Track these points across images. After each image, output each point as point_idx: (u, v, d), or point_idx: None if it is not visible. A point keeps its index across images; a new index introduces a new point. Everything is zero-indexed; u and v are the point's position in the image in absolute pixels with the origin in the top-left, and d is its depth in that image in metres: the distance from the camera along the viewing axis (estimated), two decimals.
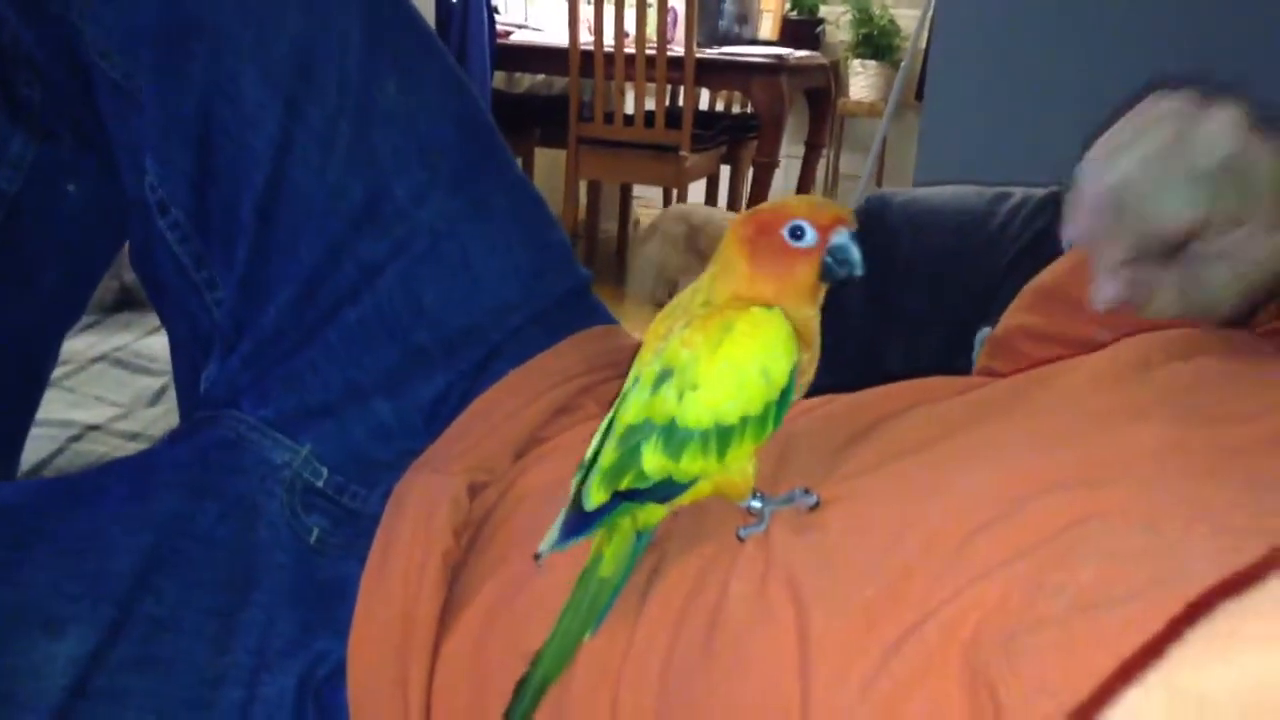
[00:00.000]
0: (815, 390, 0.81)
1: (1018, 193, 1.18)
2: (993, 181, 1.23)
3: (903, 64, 2.14)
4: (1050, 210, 1.14)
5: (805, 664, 0.47)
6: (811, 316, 0.52)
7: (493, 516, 0.65)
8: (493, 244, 0.77)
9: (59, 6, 0.73)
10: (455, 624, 0.60)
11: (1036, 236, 1.11)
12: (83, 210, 0.83)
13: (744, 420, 0.49)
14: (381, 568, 0.63)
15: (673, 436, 0.49)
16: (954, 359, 1.10)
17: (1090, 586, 0.41)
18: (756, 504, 0.53)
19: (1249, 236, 0.52)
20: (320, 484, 0.69)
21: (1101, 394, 0.53)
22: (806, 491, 0.54)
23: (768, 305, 0.49)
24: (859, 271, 0.49)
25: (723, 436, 0.49)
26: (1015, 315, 0.73)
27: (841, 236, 0.50)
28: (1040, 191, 1.17)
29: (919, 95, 2.05)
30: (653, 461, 0.49)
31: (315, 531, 0.67)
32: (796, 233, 0.49)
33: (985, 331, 1.07)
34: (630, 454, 0.49)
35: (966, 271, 1.14)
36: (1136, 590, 0.40)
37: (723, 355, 0.48)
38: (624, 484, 0.50)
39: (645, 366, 0.51)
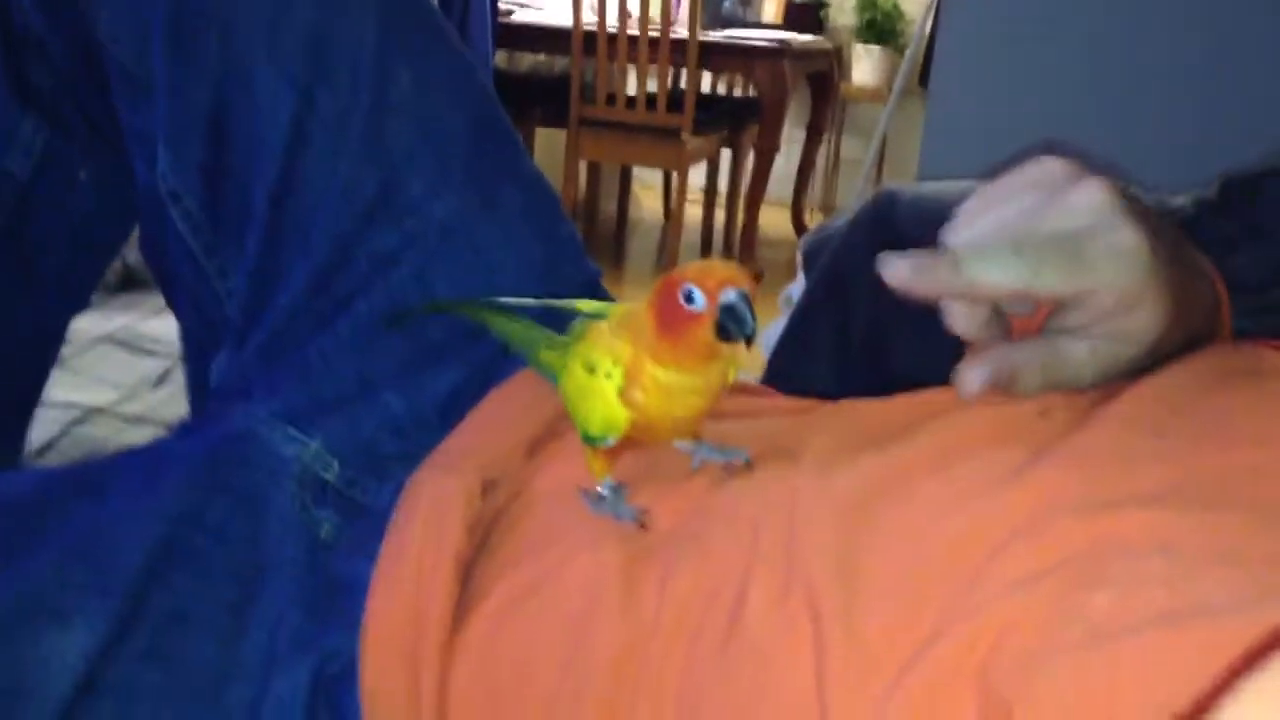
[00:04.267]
0: (824, 393, 0.81)
1: None
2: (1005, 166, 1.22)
3: (908, 50, 2.13)
4: None
5: (822, 680, 0.47)
6: (718, 372, 0.56)
7: (505, 516, 0.65)
8: (505, 238, 0.76)
9: None
10: (466, 624, 0.60)
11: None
12: (92, 197, 0.83)
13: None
14: (393, 566, 0.62)
15: None
16: (962, 354, 1.10)
17: (1107, 612, 0.41)
18: (602, 490, 0.60)
19: (1109, 314, 0.52)
20: (331, 478, 0.69)
21: (1122, 415, 0.53)
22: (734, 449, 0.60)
23: (664, 364, 0.55)
24: (749, 330, 0.52)
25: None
26: None
27: (729, 296, 0.52)
28: None
29: (922, 82, 2.04)
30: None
31: (326, 526, 0.67)
32: (689, 297, 0.52)
33: None
34: None
35: None
36: (1152, 619, 0.40)
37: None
38: None
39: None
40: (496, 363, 0.74)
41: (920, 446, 0.56)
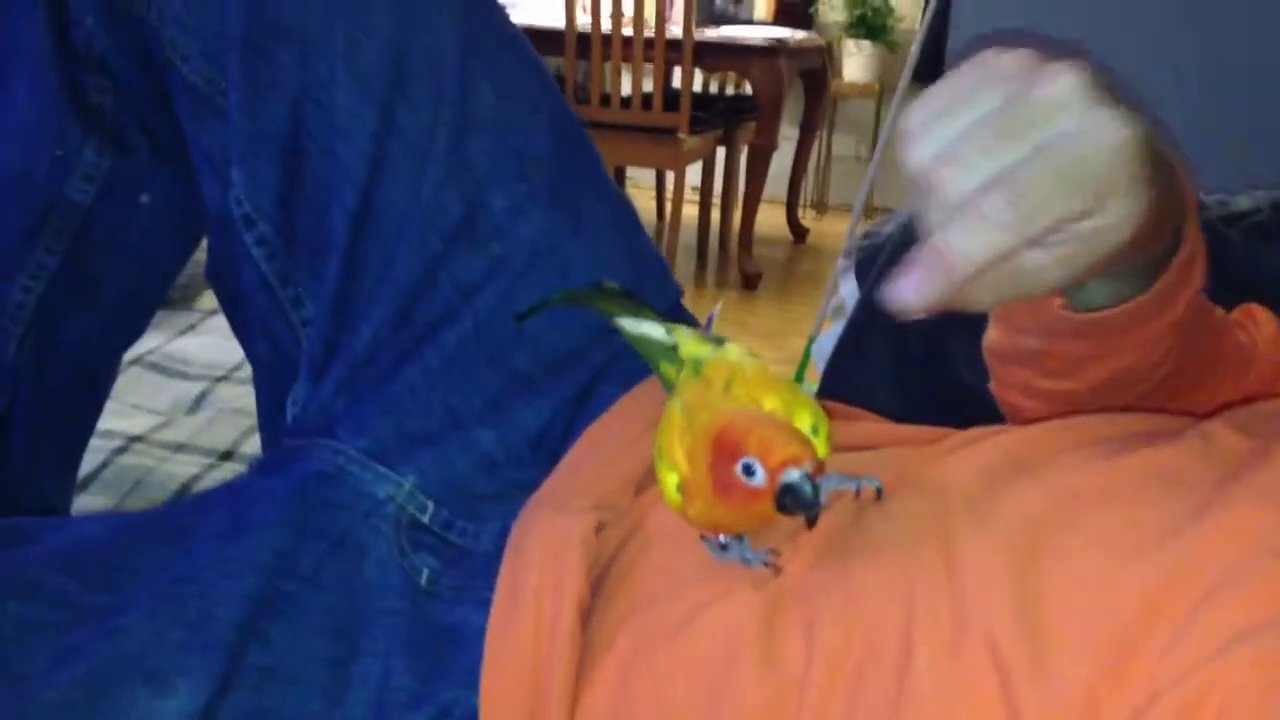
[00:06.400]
0: (885, 405, 0.78)
1: None
2: None
3: (913, 46, 2.11)
4: None
5: None
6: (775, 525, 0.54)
7: (620, 558, 0.61)
8: (593, 259, 0.73)
9: (139, 7, 0.68)
10: (591, 676, 0.57)
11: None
12: (154, 222, 0.79)
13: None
14: (509, 613, 0.59)
15: None
16: None
17: None
18: (723, 538, 0.56)
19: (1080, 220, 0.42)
20: (426, 519, 0.65)
21: None
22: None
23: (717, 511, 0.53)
24: (812, 513, 0.49)
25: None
26: None
27: (791, 476, 0.49)
28: None
29: (916, 77, 2.02)
30: None
31: (425, 572, 0.63)
32: (748, 470, 0.49)
33: None
34: None
35: None
36: None
37: None
38: None
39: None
40: (584, 396, 0.71)
41: (1081, 476, 0.53)
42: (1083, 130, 0.41)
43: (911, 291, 0.41)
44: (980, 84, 0.44)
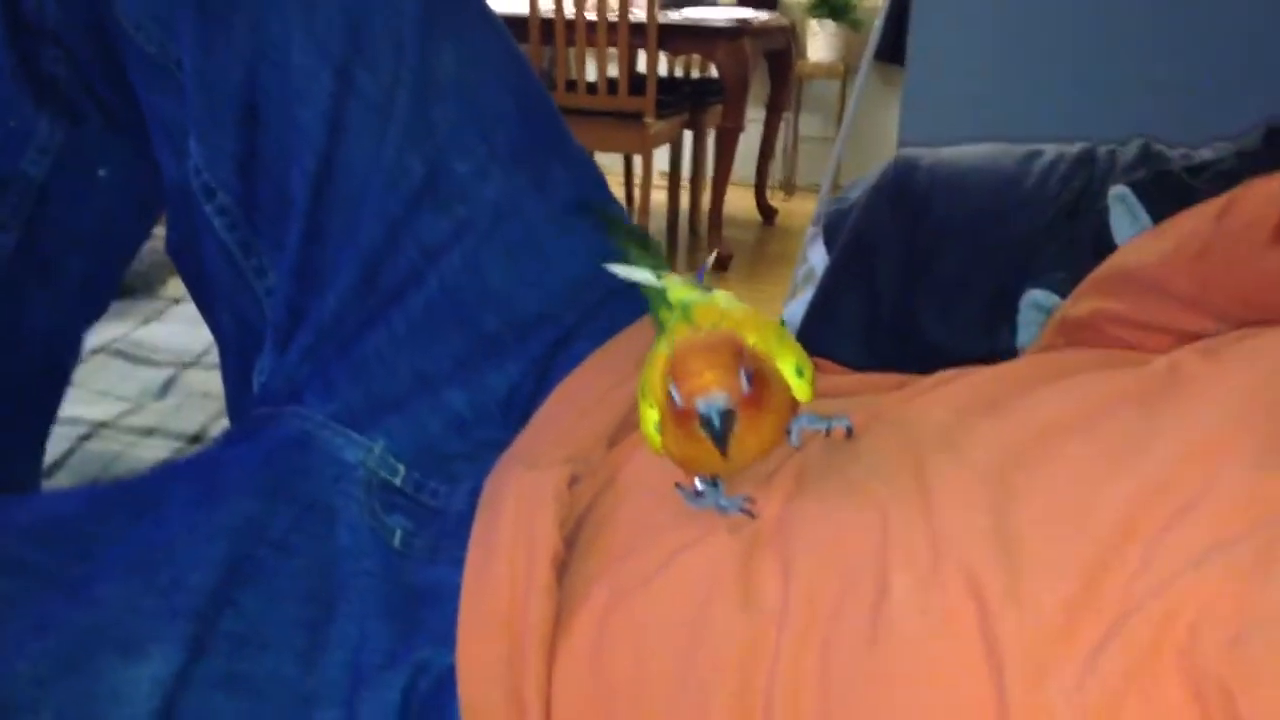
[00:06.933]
0: (859, 364, 0.78)
1: (1049, 150, 1.15)
2: (984, 137, 1.21)
3: (875, 24, 2.11)
4: (1087, 169, 1.11)
5: (997, 669, 0.44)
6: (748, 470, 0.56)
7: (594, 510, 0.61)
8: (558, 220, 0.72)
9: None
10: (569, 628, 0.56)
11: (1076, 197, 1.08)
12: (112, 196, 0.78)
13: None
14: (483, 570, 0.59)
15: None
16: (995, 323, 1.08)
17: None
18: (698, 485, 0.56)
19: None
20: (398, 482, 0.65)
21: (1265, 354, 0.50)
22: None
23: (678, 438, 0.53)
24: (721, 444, 0.50)
25: None
26: (1095, 299, 0.68)
27: (699, 406, 0.50)
28: (1073, 149, 1.14)
29: (879, 55, 2.03)
30: None
31: (398, 533, 0.63)
32: (671, 394, 0.51)
33: (1034, 295, 1.05)
34: None
35: (1003, 233, 1.11)
36: None
37: None
38: None
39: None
40: (554, 355, 0.71)
41: (1051, 409, 0.53)
42: None
43: None
44: None
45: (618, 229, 0.68)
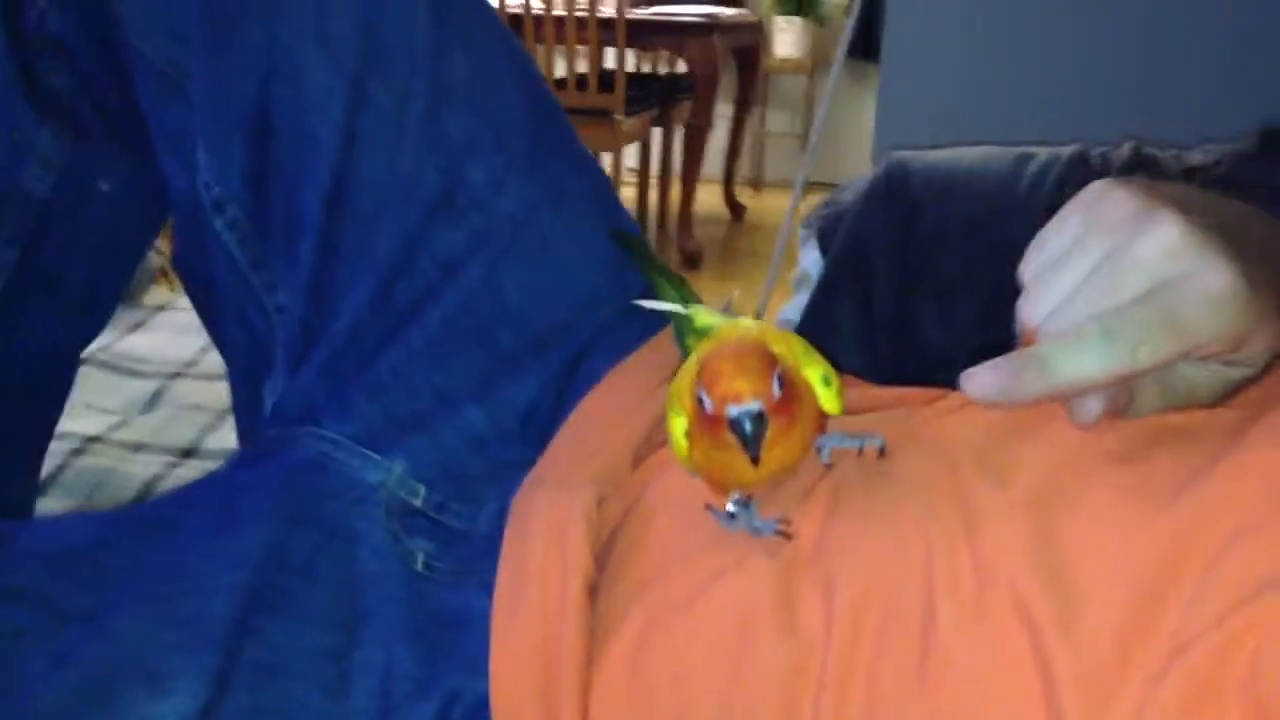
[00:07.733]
0: (856, 368, 0.78)
1: (1042, 153, 1.15)
2: (959, 140, 1.21)
3: (847, 21, 2.12)
4: (1079, 172, 1.12)
5: (1053, 699, 0.43)
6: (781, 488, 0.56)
7: (624, 532, 0.60)
8: (574, 231, 0.71)
9: None
10: (604, 653, 0.55)
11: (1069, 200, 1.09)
12: (115, 210, 0.76)
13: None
14: (514, 594, 0.58)
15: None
16: (991, 326, 1.08)
17: None
18: (730, 507, 0.55)
19: (1218, 354, 0.47)
20: (418, 503, 0.64)
21: None
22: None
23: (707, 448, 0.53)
24: (752, 450, 0.49)
25: None
26: None
27: (731, 411, 0.49)
28: (1065, 151, 1.14)
29: (851, 52, 2.03)
30: None
31: (420, 556, 0.62)
32: (701, 400, 0.50)
33: None
34: None
35: (997, 236, 1.11)
36: None
37: None
38: None
39: None
40: (572, 371, 0.70)
41: (1090, 435, 0.53)
42: (1189, 278, 0.44)
43: (993, 387, 0.46)
44: (1087, 233, 0.46)
45: (643, 260, 0.68)
